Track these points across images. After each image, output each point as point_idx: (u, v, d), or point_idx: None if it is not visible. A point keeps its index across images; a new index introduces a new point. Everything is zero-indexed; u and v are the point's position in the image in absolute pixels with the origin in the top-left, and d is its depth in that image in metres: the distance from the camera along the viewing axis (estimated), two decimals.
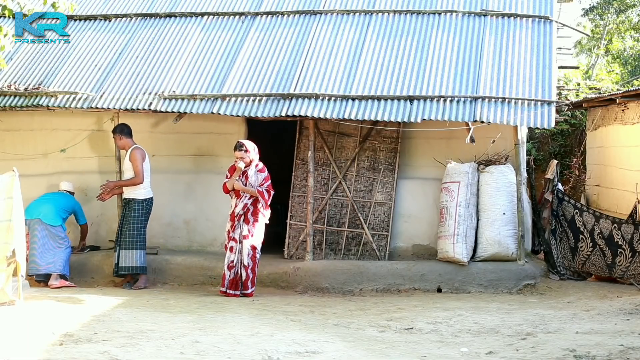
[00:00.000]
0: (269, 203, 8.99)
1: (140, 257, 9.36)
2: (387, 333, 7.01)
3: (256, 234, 8.95)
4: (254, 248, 8.91)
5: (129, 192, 9.39)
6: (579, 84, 16.93)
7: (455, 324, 7.35)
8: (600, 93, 14.87)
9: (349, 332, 7.03)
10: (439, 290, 9.39)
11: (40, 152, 10.50)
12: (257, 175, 8.96)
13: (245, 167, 8.90)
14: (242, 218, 8.91)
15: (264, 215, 9.02)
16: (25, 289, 8.01)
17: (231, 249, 8.92)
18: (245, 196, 8.91)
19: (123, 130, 9.51)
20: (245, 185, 8.92)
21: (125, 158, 9.48)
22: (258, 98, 9.46)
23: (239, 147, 8.93)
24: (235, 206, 8.94)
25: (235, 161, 8.94)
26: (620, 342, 6.25)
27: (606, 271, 9.77)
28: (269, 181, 9.00)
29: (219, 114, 9.37)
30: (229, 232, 8.97)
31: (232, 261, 8.89)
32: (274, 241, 10.51)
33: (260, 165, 9.02)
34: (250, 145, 8.98)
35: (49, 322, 6.90)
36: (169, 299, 8.57)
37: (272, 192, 9.01)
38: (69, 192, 9.95)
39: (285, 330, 6.86)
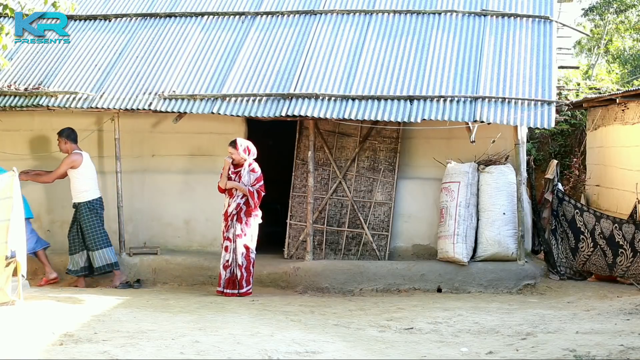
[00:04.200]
0: (258, 204, 9.00)
1: (110, 253, 9.47)
2: (387, 333, 7.01)
3: (249, 233, 8.98)
4: (247, 247, 8.93)
5: (75, 197, 9.53)
6: (579, 84, 16.93)
7: (455, 324, 7.35)
8: (600, 93, 14.87)
9: (349, 332, 7.03)
10: (439, 290, 9.39)
11: (41, 152, 10.48)
12: (250, 175, 8.99)
13: (233, 162, 8.94)
14: (235, 217, 8.94)
15: (257, 215, 9.04)
16: (25, 289, 8.01)
17: (226, 248, 8.96)
18: (238, 196, 8.94)
19: (70, 136, 9.57)
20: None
21: None
22: (258, 98, 9.46)
23: (231, 143, 9.02)
24: (229, 206, 8.98)
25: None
26: (620, 342, 6.25)
27: (607, 271, 9.78)
28: (261, 182, 9.02)
29: (219, 114, 9.37)
30: (223, 232, 9.00)
31: (228, 260, 8.93)
32: (274, 241, 10.51)
33: (253, 165, 9.03)
34: (243, 145, 9.01)
35: (49, 322, 6.90)
36: (169, 299, 8.58)
37: (263, 194, 9.03)
38: None
39: (285, 330, 6.86)
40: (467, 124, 9.12)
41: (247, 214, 8.97)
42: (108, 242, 9.55)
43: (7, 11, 9.00)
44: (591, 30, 23.51)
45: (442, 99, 9.22)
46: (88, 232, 9.45)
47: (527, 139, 12.06)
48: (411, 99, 9.26)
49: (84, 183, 9.49)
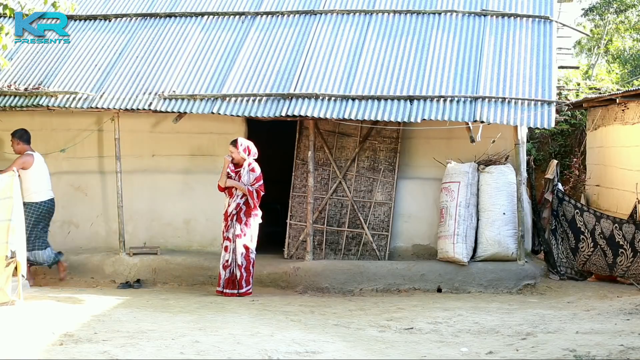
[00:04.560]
0: (257, 204, 9.00)
1: (44, 255, 9.41)
2: (387, 333, 7.01)
3: (249, 234, 8.98)
4: (246, 247, 8.93)
5: (25, 197, 9.27)
6: (579, 84, 16.92)
7: (455, 324, 7.35)
8: (600, 93, 14.87)
9: (349, 332, 7.03)
10: (439, 290, 9.39)
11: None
12: (249, 175, 9.00)
13: (233, 161, 8.96)
14: (234, 217, 8.94)
15: (257, 215, 9.04)
16: (25, 289, 8.02)
17: (226, 248, 8.96)
18: (238, 196, 8.94)
19: (22, 137, 9.52)
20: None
21: None
22: (258, 98, 9.46)
23: (232, 142, 9.06)
24: (229, 206, 8.99)
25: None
26: (620, 342, 6.25)
27: (607, 271, 9.78)
28: (261, 181, 9.02)
29: (219, 114, 9.37)
30: (223, 231, 9.01)
31: (227, 260, 8.93)
32: (274, 241, 10.51)
33: (253, 164, 9.03)
34: (244, 145, 9.02)
35: (49, 322, 6.91)
36: (169, 299, 8.58)
37: (262, 194, 9.03)
38: None
39: (285, 330, 6.86)
40: (467, 124, 9.12)
41: (247, 214, 8.97)
42: (42, 245, 9.43)
43: (7, 11, 9.00)
44: (591, 30, 23.51)
45: (442, 99, 9.22)
46: (26, 232, 9.21)
47: (527, 139, 12.06)
48: (411, 99, 9.26)
49: (34, 184, 9.40)
